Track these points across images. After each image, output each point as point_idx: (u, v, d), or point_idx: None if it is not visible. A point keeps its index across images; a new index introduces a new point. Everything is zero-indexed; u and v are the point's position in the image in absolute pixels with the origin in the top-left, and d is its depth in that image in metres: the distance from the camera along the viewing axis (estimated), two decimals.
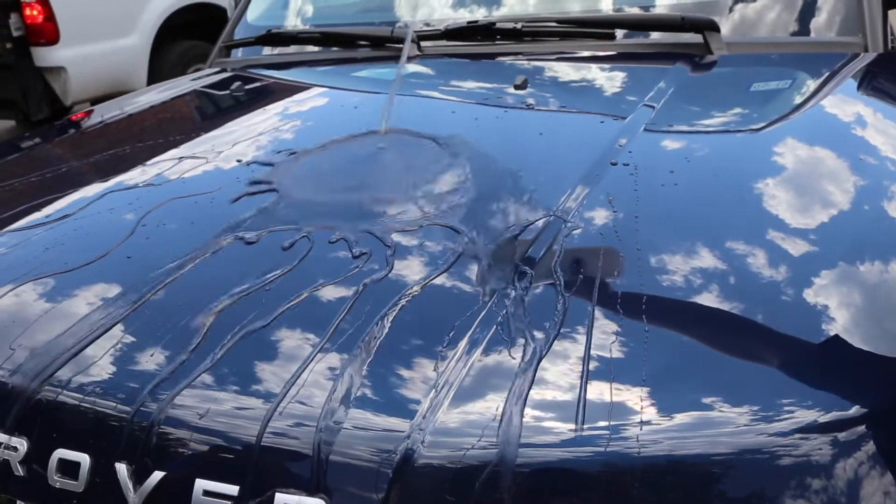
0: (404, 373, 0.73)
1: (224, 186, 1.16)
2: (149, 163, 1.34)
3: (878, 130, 1.26)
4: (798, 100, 1.45)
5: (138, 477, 0.72)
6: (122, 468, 0.72)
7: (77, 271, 0.97)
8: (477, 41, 1.77)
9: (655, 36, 1.68)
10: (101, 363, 0.81)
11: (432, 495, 0.65)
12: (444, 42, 1.79)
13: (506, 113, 1.37)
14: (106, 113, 1.86)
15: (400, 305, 0.81)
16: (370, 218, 0.99)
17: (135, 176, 1.29)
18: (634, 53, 1.67)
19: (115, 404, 0.76)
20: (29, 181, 1.43)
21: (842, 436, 0.67)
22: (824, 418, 0.68)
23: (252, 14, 2.30)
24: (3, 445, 0.79)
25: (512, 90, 1.42)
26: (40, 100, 4.77)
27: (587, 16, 1.74)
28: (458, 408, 0.68)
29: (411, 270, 0.87)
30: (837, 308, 0.80)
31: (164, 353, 0.80)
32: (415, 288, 0.84)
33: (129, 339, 0.83)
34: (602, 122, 1.31)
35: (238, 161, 1.27)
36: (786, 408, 0.68)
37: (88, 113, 2.00)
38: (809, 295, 0.81)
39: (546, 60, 1.66)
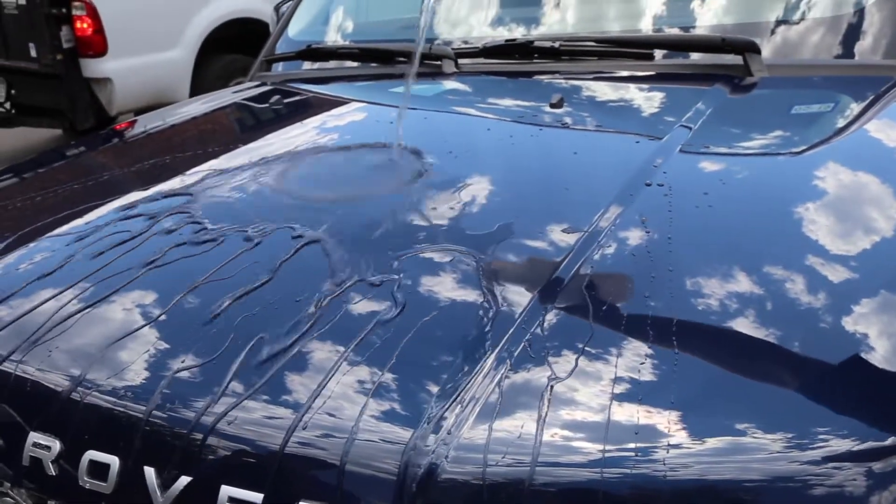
0: (431, 387, 0.73)
1: (255, 199, 1.17)
2: (188, 172, 1.37)
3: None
4: (840, 123, 1.42)
5: (165, 481, 0.73)
6: (150, 472, 0.73)
7: (112, 279, 0.98)
8: (514, 59, 1.77)
9: (695, 57, 1.66)
10: (133, 368, 0.82)
11: None
12: (481, 60, 1.80)
13: (541, 131, 1.37)
14: (148, 123, 1.90)
15: (428, 320, 0.81)
16: (403, 234, 0.99)
17: (175, 185, 1.31)
18: (673, 74, 1.66)
19: (145, 409, 0.77)
20: (72, 188, 1.46)
21: (877, 466, 0.65)
22: (859, 447, 0.67)
23: (293, 29, 2.33)
24: (36, 445, 0.80)
25: (548, 108, 1.42)
26: (86, 110, 4.89)
27: (626, 36, 1.74)
28: (483, 424, 0.68)
29: (441, 286, 0.87)
30: (874, 336, 0.78)
31: (195, 360, 0.81)
32: (444, 304, 0.84)
33: (162, 345, 0.84)
34: (637, 142, 1.30)
35: (270, 173, 1.29)
36: (819, 436, 0.66)
37: (132, 123, 2.05)
38: (845, 322, 0.79)
39: (583, 79, 1.66)
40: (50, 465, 0.79)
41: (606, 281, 0.87)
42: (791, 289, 0.84)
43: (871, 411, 0.72)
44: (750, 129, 1.37)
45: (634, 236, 0.94)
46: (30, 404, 0.84)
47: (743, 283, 0.84)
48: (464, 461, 0.65)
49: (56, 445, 0.79)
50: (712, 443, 0.66)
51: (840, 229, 0.98)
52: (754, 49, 1.58)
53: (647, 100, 1.57)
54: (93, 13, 4.68)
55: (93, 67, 4.81)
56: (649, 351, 0.75)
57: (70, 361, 0.86)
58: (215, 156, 1.48)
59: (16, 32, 4.88)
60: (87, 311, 0.93)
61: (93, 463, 0.76)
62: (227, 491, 0.70)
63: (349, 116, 1.78)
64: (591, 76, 1.69)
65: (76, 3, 4.68)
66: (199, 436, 0.73)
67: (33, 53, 4.83)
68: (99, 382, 0.82)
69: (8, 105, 5.26)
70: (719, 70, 1.60)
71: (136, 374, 0.81)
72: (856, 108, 1.50)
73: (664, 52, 1.68)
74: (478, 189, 1.10)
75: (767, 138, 1.34)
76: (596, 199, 1.01)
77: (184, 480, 0.72)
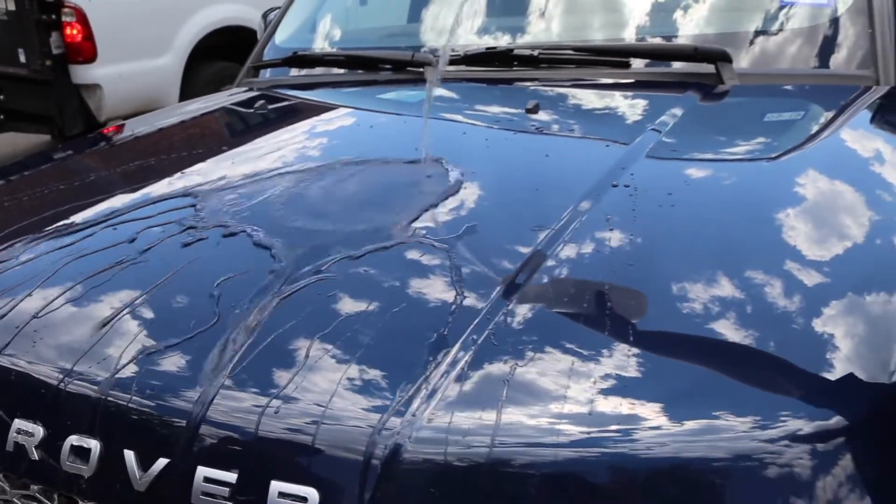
0: (398, 373, 0.76)
1: (235, 198, 1.21)
2: (175, 174, 1.40)
3: (880, 160, 1.28)
4: (805, 130, 1.47)
5: (144, 463, 0.76)
6: (129, 454, 0.77)
7: (93, 276, 1.01)
8: (495, 67, 1.82)
9: (669, 65, 1.71)
10: (113, 358, 0.85)
11: (418, 488, 0.68)
12: (463, 67, 1.84)
13: (515, 136, 1.41)
14: (136, 127, 1.93)
15: (397, 312, 0.85)
16: (373, 229, 1.03)
17: (160, 185, 1.35)
18: (647, 82, 1.71)
19: (126, 395, 0.80)
20: (59, 189, 1.49)
21: (822, 445, 0.69)
22: (809, 428, 0.71)
23: (280, 36, 2.37)
24: (20, 431, 0.83)
25: (524, 114, 1.46)
26: (75, 116, 4.91)
27: (602, 45, 1.78)
28: (444, 409, 0.71)
29: (409, 280, 0.91)
30: (821, 326, 0.82)
31: (173, 349, 0.84)
32: (412, 296, 0.88)
33: (141, 335, 0.88)
34: (607, 146, 1.35)
35: (255, 175, 1.32)
36: (772, 417, 0.70)
37: (119, 127, 2.08)
38: (795, 313, 0.84)
39: (560, 86, 1.71)
40: (33, 450, 0.82)
41: (569, 274, 0.91)
42: (746, 280, 0.88)
43: (820, 396, 0.75)
44: (715, 134, 1.42)
45: (598, 233, 0.98)
46: (13, 393, 0.87)
47: (700, 276, 0.89)
48: (425, 442, 0.69)
49: (39, 431, 0.82)
50: (666, 423, 0.70)
51: (799, 227, 1.03)
52: (726, 58, 1.63)
53: (620, 106, 1.61)
54: (82, 19, 4.71)
55: (82, 73, 4.83)
56: (607, 339, 0.79)
57: (53, 352, 0.89)
58: (201, 158, 1.52)
59: (5, 38, 4.90)
60: (68, 304, 0.96)
61: (74, 447, 0.80)
62: (202, 472, 0.73)
63: (331, 121, 1.82)
64: (569, 83, 1.73)
65: (66, 10, 4.71)
66: (177, 420, 0.76)
67: (23, 59, 4.85)
68: (80, 371, 0.85)
69: None
70: (692, 78, 1.65)
71: (116, 364, 0.84)
72: (821, 115, 1.55)
73: (639, 60, 1.73)
74: (450, 188, 1.14)
75: (732, 143, 1.39)
76: (563, 199, 1.05)
77: (162, 462, 0.75)
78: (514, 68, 1.81)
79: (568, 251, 0.94)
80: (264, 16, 2.70)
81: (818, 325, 0.82)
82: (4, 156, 5.47)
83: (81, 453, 0.79)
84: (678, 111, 1.43)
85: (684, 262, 0.92)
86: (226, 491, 0.72)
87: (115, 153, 1.82)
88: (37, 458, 0.81)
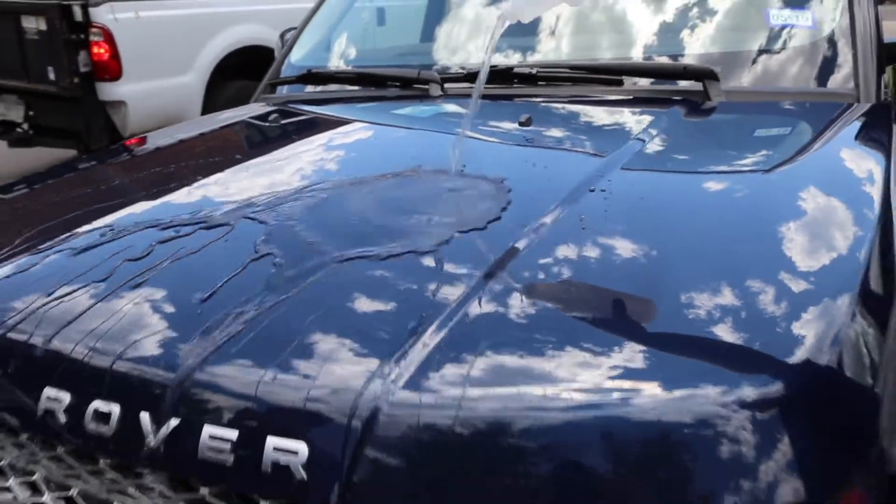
0: (381, 347, 0.86)
1: (252, 203, 1.32)
2: (195, 183, 1.51)
3: (845, 169, 1.37)
4: (783, 142, 1.57)
5: (157, 423, 0.86)
6: (145, 416, 0.86)
7: (115, 269, 1.12)
8: (496, 84, 1.92)
9: (660, 82, 1.81)
10: (131, 333, 0.96)
11: (394, 444, 0.77)
12: (465, 84, 1.95)
13: (505, 147, 1.51)
14: (157, 139, 2.05)
15: (382, 295, 0.96)
16: (366, 224, 1.16)
17: (179, 190, 1.46)
18: (639, 98, 1.81)
19: (142, 364, 0.91)
20: (83, 194, 1.61)
21: (764, 412, 0.77)
22: (756, 394, 0.79)
23: (296, 55, 2.49)
24: (50, 398, 0.93)
25: (517, 127, 1.56)
26: (101, 131, 5.07)
27: (597, 63, 1.89)
28: (419, 377, 0.81)
29: (395, 266, 1.02)
30: (772, 309, 0.91)
31: (183, 325, 0.95)
32: (397, 281, 0.99)
33: (155, 318, 0.98)
34: (591, 155, 1.45)
35: (266, 181, 1.43)
36: (704, 382, 0.79)
37: (141, 139, 2.20)
38: (747, 297, 0.93)
39: (555, 102, 1.81)
40: (61, 414, 0.92)
41: (541, 266, 1.01)
42: (697, 268, 0.99)
43: (765, 368, 0.83)
44: (694, 146, 1.51)
45: (572, 231, 1.08)
46: (46, 365, 0.97)
47: (660, 266, 0.99)
48: (401, 405, 0.78)
49: (66, 398, 0.92)
50: (624, 390, 0.79)
51: (750, 223, 1.12)
52: (713, 76, 1.72)
53: (607, 120, 1.71)
54: (109, 39, 4.89)
55: (108, 90, 5.00)
56: (571, 319, 0.89)
57: (79, 332, 0.99)
58: (217, 166, 1.63)
59: (36, 56, 5.09)
60: (90, 291, 1.07)
61: (97, 412, 0.90)
62: (208, 430, 0.83)
63: (343, 134, 1.93)
64: (566, 99, 1.83)
65: (94, 30, 4.89)
66: (186, 384, 0.86)
67: (52, 76, 5.04)
68: (102, 347, 0.95)
69: (26, 126, 5.45)
70: (681, 95, 1.75)
71: (134, 337, 0.95)
72: (801, 129, 1.64)
73: (632, 77, 1.83)
74: (440, 191, 1.25)
75: (709, 154, 1.48)
76: (544, 201, 1.15)
77: (173, 422, 0.85)
78: (515, 86, 1.91)
79: (542, 246, 1.04)
80: (281, 35, 2.83)
81: (764, 306, 0.91)
82: (30, 169, 5.65)
83: (103, 416, 0.89)
84: (662, 125, 1.53)
85: (646, 254, 1.03)
86: (228, 445, 0.81)
87: (137, 162, 1.94)
88: (64, 422, 0.92)
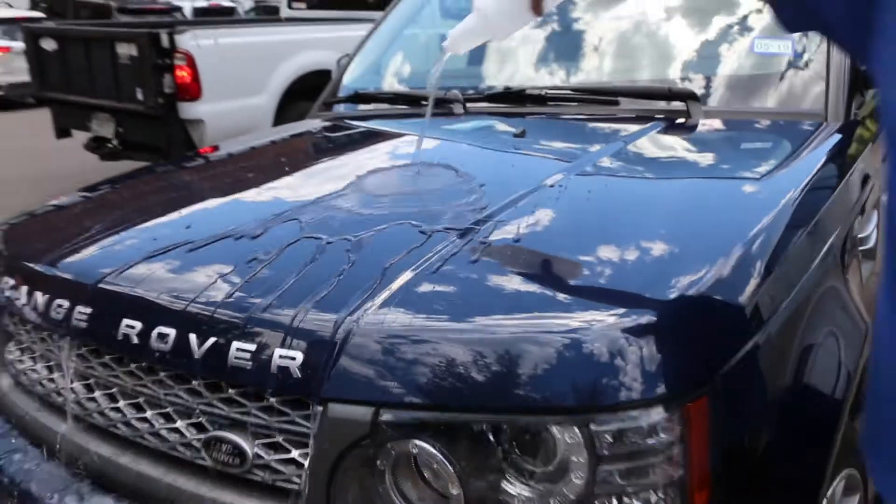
0: (356, 288, 1.17)
1: (297, 200, 1.65)
2: (264, 183, 1.85)
3: (772, 172, 1.62)
4: (745, 154, 1.81)
5: (201, 342, 1.18)
6: (192, 336, 1.19)
7: (186, 244, 1.46)
8: (511, 104, 2.22)
9: (649, 102, 2.08)
10: (184, 280, 1.29)
11: (362, 354, 1.07)
12: (485, 104, 2.26)
13: (495, 153, 1.82)
14: (230, 146, 2.43)
15: (363, 252, 1.29)
16: (377, 203, 1.50)
17: (246, 189, 1.81)
18: (630, 116, 2.08)
19: (190, 299, 1.23)
20: (160, 190, 1.98)
21: (644, 338, 1.04)
22: (629, 322, 1.05)
23: (348, 78, 2.86)
24: (127, 326, 1.27)
25: (512, 137, 1.86)
26: (181, 147, 5.58)
27: (595, 86, 2.17)
28: (383, 310, 1.11)
29: (379, 235, 1.34)
30: (650, 258, 1.18)
31: (222, 277, 1.28)
32: (377, 244, 1.32)
33: (205, 269, 1.32)
34: (563, 159, 1.74)
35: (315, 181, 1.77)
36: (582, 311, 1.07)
37: (214, 147, 2.59)
38: (636, 252, 1.21)
39: (554, 118, 2.10)
40: (135, 337, 1.25)
41: (498, 236, 1.31)
42: (609, 237, 1.29)
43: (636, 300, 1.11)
44: (657, 155, 1.78)
45: (526, 213, 1.38)
46: (126, 303, 1.31)
47: (583, 236, 1.31)
48: (367, 331, 1.08)
49: (138, 325, 1.26)
50: (538, 316, 1.07)
51: (665, 209, 1.42)
52: (694, 97, 1.98)
53: (593, 133, 1.99)
54: (191, 63, 5.41)
55: (188, 110, 5.52)
56: (515, 272, 1.20)
57: (150, 282, 1.33)
58: (285, 171, 1.98)
59: (126, 78, 5.66)
60: (171, 254, 1.41)
61: (159, 334, 1.23)
62: (235, 344, 1.15)
63: (382, 143, 2.26)
64: (568, 117, 2.12)
65: (178, 55, 5.42)
66: (221, 313, 1.19)
67: (140, 97, 5.58)
68: (166, 289, 1.29)
69: (115, 141, 6.03)
70: (667, 114, 2.01)
71: (185, 283, 1.28)
72: (767, 144, 1.88)
73: (626, 98, 2.10)
74: (428, 183, 1.57)
75: (669, 162, 1.75)
76: (508, 193, 1.45)
77: (211, 340, 1.17)
78: (527, 105, 2.21)
79: (502, 223, 1.35)
80: (338, 61, 3.20)
81: (645, 258, 1.20)
82: None
83: (163, 338, 1.22)
84: (638, 137, 1.80)
85: (576, 229, 1.34)
86: (248, 355, 1.13)
87: (210, 166, 2.31)
88: (136, 343, 1.25)
